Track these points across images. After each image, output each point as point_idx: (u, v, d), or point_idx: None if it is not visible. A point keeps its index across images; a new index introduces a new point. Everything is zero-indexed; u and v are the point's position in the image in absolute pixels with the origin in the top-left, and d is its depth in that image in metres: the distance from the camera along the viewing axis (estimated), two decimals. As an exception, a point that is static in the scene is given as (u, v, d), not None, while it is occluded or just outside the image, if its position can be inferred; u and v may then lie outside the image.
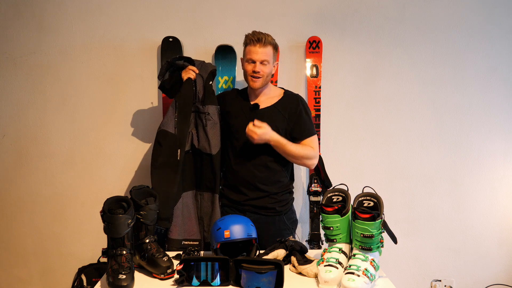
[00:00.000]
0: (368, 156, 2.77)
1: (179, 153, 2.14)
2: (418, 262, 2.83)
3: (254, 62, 2.13)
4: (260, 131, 2.03)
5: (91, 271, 2.63)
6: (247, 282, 1.61)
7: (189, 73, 2.21)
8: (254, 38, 2.11)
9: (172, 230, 2.16)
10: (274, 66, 2.21)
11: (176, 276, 1.66)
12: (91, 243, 2.70)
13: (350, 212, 1.71)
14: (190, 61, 2.28)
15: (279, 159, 2.18)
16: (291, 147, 2.14)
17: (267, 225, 2.15)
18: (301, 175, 2.75)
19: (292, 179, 2.33)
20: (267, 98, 2.23)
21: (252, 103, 2.23)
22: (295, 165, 2.68)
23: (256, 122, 2.04)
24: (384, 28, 2.72)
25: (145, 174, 2.69)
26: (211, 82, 2.27)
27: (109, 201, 1.73)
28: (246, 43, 2.16)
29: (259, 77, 2.14)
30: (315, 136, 2.24)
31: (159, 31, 2.65)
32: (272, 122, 2.15)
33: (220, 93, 2.46)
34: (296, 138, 2.20)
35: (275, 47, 2.18)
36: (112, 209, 1.70)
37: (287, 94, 2.27)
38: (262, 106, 2.21)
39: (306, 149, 2.18)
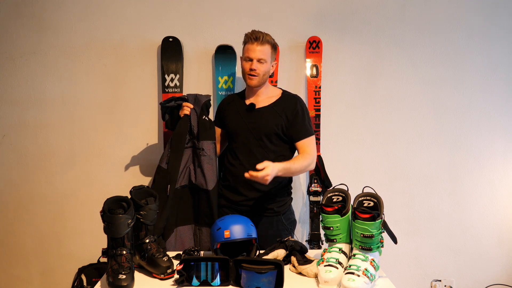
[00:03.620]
0: (368, 156, 2.77)
1: (168, 189, 2.17)
2: (418, 262, 2.83)
3: (251, 60, 2.13)
4: (267, 171, 1.90)
5: (91, 271, 2.63)
6: (247, 282, 1.61)
7: (184, 110, 2.25)
8: (253, 37, 2.12)
9: None
10: (272, 66, 2.21)
11: (176, 276, 1.66)
12: (91, 243, 2.70)
13: (350, 212, 1.71)
14: (183, 99, 2.30)
15: (277, 159, 2.18)
16: (295, 166, 2.10)
17: (265, 225, 2.15)
18: (301, 175, 2.75)
19: (290, 180, 2.32)
20: (265, 98, 2.23)
21: (248, 103, 2.23)
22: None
23: (258, 166, 1.91)
24: (384, 28, 2.72)
25: (145, 174, 2.69)
26: (204, 117, 2.28)
27: (109, 201, 1.73)
28: (245, 42, 2.18)
29: (255, 75, 2.14)
30: (313, 137, 2.21)
31: (159, 31, 2.65)
32: (269, 121, 2.16)
33: (220, 101, 2.44)
34: (293, 138, 2.19)
35: (274, 47, 2.18)
36: (112, 209, 1.70)
37: (285, 95, 2.26)
38: (259, 105, 2.21)
39: (305, 158, 2.14)
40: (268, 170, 1.89)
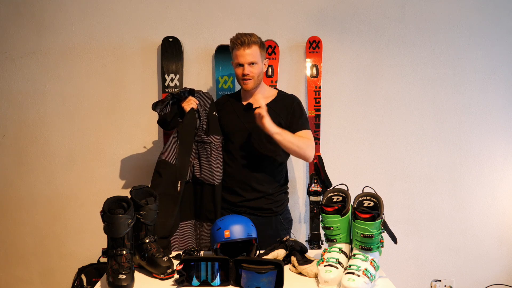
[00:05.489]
0: (368, 156, 2.77)
1: (179, 185, 2.12)
2: (418, 262, 2.83)
3: (242, 65, 2.12)
4: (266, 114, 1.98)
5: (91, 271, 2.63)
6: (247, 282, 1.61)
7: (192, 104, 2.19)
8: (238, 42, 2.10)
9: None
10: (264, 64, 2.20)
11: (176, 276, 1.66)
12: (91, 243, 2.70)
13: (350, 212, 1.71)
14: (191, 92, 2.26)
15: (274, 160, 2.18)
16: (291, 136, 2.09)
17: (264, 225, 2.14)
18: (301, 175, 2.74)
19: (287, 180, 2.32)
20: (261, 98, 2.22)
21: (245, 103, 2.23)
22: (293, 165, 2.69)
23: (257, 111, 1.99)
24: (384, 28, 2.72)
25: (145, 174, 2.69)
26: (214, 113, 2.25)
27: (109, 201, 1.73)
28: (232, 47, 2.15)
29: (249, 79, 2.14)
30: (310, 131, 2.21)
31: (159, 31, 2.65)
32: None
33: (215, 101, 2.41)
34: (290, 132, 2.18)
35: (261, 45, 2.16)
36: (112, 209, 1.70)
37: (281, 94, 2.26)
38: (256, 105, 2.20)
39: (302, 138, 2.13)
40: (263, 111, 1.97)
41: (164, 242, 2.05)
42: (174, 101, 2.23)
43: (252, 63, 2.12)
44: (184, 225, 2.23)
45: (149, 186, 2.16)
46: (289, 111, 2.18)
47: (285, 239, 1.89)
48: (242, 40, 2.09)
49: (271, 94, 2.25)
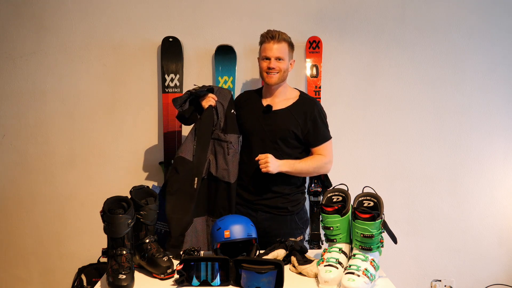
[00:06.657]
0: (368, 156, 2.77)
1: (196, 182, 2.13)
2: (418, 262, 2.83)
3: (269, 59, 2.13)
4: (271, 160, 2.01)
5: (91, 271, 2.63)
6: (247, 282, 1.61)
7: (210, 101, 2.19)
8: (269, 35, 2.13)
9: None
10: (291, 64, 2.21)
11: (176, 276, 1.66)
12: (91, 243, 2.70)
13: (350, 212, 1.71)
14: (210, 89, 2.25)
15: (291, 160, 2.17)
16: (301, 164, 2.14)
17: (279, 224, 2.16)
18: (301, 175, 2.75)
19: (304, 180, 2.33)
20: (282, 100, 2.22)
21: (265, 104, 2.22)
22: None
23: (258, 157, 2.03)
24: (384, 28, 2.72)
25: (145, 174, 2.70)
26: (233, 111, 2.25)
27: (109, 201, 1.73)
28: (261, 41, 2.18)
29: (274, 73, 2.14)
30: (330, 141, 2.22)
31: (159, 31, 2.65)
32: (285, 125, 2.16)
33: (236, 97, 2.41)
34: (310, 144, 2.20)
35: (291, 45, 2.19)
36: (112, 209, 1.70)
37: (303, 98, 2.25)
38: (276, 107, 2.19)
39: (314, 160, 2.18)
40: (269, 158, 2.00)
41: (180, 239, 2.06)
42: (193, 98, 2.22)
43: (279, 59, 2.13)
44: (196, 221, 2.20)
45: (164, 182, 2.19)
46: (308, 119, 2.17)
47: (285, 239, 1.89)
48: (272, 34, 2.13)
49: (293, 96, 2.24)
